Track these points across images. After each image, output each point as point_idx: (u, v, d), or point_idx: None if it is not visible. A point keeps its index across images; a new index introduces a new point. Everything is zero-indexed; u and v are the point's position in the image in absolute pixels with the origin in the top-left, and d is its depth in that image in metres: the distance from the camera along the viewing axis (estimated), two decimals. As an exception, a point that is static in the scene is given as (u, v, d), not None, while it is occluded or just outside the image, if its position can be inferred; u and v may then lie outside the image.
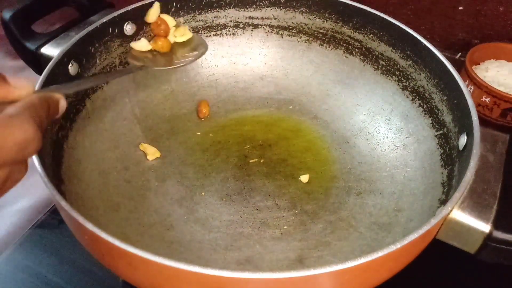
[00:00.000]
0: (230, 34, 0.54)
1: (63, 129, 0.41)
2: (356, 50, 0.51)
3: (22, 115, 0.25)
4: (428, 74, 0.45)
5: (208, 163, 0.46)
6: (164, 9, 0.50)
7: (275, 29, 0.54)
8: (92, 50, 0.45)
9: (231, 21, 0.54)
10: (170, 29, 0.47)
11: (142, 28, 0.49)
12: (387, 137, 0.48)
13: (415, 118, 0.46)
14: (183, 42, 0.47)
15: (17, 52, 0.48)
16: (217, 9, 0.52)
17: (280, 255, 0.39)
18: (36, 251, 0.44)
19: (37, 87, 0.37)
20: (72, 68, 0.42)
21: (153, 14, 0.47)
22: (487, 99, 0.53)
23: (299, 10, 0.52)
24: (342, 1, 0.49)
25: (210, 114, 0.51)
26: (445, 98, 0.43)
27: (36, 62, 0.47)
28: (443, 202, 0.37)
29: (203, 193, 0.44)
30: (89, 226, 0.28)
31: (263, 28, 0.54)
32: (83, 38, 0.43)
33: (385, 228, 0.41)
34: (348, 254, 0.39)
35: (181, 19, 0.51)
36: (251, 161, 0.47)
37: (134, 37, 0.48)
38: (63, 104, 0.30)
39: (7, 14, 0.46)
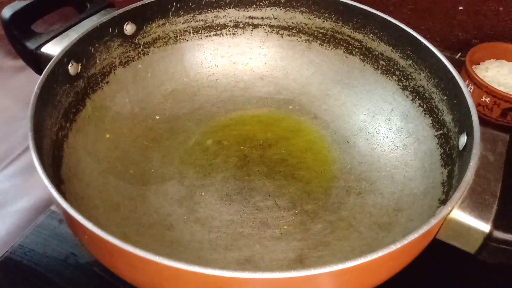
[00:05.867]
0: (230, 34, 0.54)
1: (63, 129, 0.41)
2: (356, 50, 0.51)
3: None
4: (428, 74, 0.45)
5: (208, 163, 0.46)
6: (164, 9, 0.50)
7: (275, 29, 0.54)
8: (92, 50, 0.45)
9: (231, 21, 0.54)
10: None
11: (142, 28, 0.49)
12: (387, 137, 0.48)
13: (415, 118, 0.46)
14: None
15: (17, 52, 0.48)
16: (217, 9, 0.52)
17: (280, 255, 0.39)
18: (36, 251, 0.44)
19: (36, 87, 0.37)
20: (72, 68, 0.42)
21: None
22: (487, 99, 0.53)
23: (299, 10, 0.52)
24: (342, 1, 0.49)
25: (210, 114, 0.51)
26: (445, 98, 0.42)
27: (36, 62, 0.47)
28: (443, 202, 0.37)
29: (203, 193, 0.44)
30: (89, 226, 0.28)
31: (263, 28, 0.54)
32: (83, 38, 0.43)
33: (385, 228, 0.41)
34: (348, 254, 0.39)
35: (181, 19, 0.51)
36: (251, 161, 0.47)
37: (134, 37, 0.48)
38: None
39: (7, 14, 0.46)
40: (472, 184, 0.35)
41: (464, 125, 0.38)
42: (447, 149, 0.41)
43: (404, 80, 0.48)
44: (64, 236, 0.45)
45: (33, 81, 0.38)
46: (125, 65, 0.49)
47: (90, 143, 0.44)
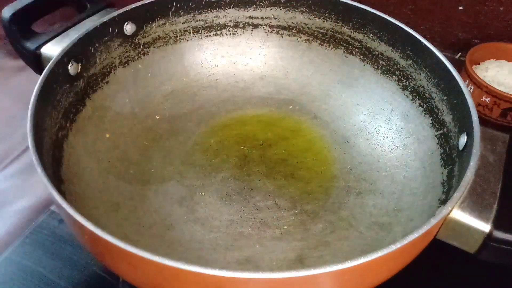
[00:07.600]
0: (230, 34, 0.54)
1: (63, 129, 0.41)
2: (356, 50, 0.51)
3: None
4: (428, 74, 0.45)
5: (208, 163, 0.46)
6: (164, 9, 0.50)
7: (275, 29, 0.54)
8: (92, 50, 0.45)
9: (231, 21, 0.54)
10: None
11: (142, 28, 0.49)
12: (387, 137, 0.48)
13: (415, 118, 0.46)
14: None
15: (17, 52, 0.48)
16: (217, 8, 0.52)
17: (280, 255, 0.39)
18: (36, 251, 0.44)
19: (36, 87, 0.37)
20: (72, 68, 0.42)
21: None
22: (487, 99, 0.53)
23: (299, 10, 0.52)
24: (342, 1, 0.49)
25: (210, 114, 0.51)
26: (445, 98, 0.43)
27: (36, 62, 0.47)
28: (443, 202, 0.37)
29: (203, 193, 0.44)
30: (89, 226, 0.28)
31: (263, 28, 0.54)
32: (83, 38, 0.43)
33: (385, 228, 0.41)
34: (348, 254, 0.39)
35: (181, 19, 0.51)
36: (251, 161, 0.47)
37: (134, 36, 0.48)
38: None
39: (7, 14, 0.46)
40: (472, 184, 0.35)
41: (464, 125, 0.38)
42: (447, 149, 0.41)
43: (404, 80, 0.48)
44: (64, 236, 0.45)
45: (33, 81, 0.38)
46: (125, 65, 0.48)
47: (90, 143, 0.44)
